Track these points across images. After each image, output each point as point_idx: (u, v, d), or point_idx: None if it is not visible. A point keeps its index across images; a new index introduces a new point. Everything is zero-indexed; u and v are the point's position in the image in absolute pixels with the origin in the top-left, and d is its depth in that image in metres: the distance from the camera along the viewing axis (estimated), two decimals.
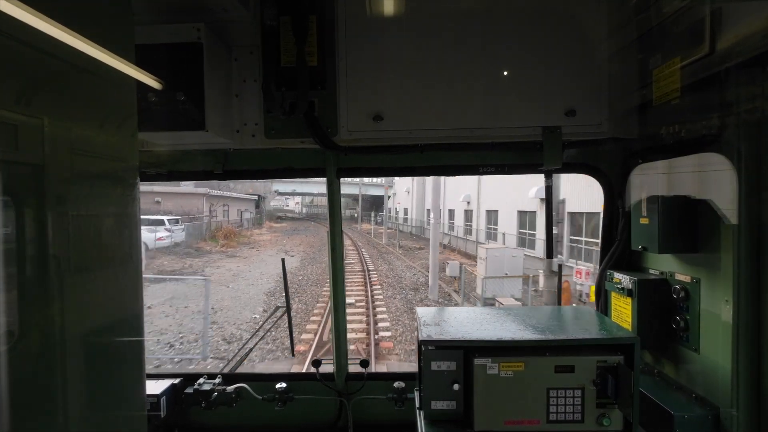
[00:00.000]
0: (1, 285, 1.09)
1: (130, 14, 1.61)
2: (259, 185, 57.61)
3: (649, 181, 2.24)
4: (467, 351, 1.76)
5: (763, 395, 1.62)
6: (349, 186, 57.74)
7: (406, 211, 55.77)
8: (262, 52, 2.23)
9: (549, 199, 2.50)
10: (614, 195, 2.47)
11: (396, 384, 2.59)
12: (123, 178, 1.51)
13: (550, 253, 2.56)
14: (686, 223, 1.91)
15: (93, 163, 1.40)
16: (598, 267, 2.57)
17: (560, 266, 3.19)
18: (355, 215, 70.11)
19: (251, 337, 3.55)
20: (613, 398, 1.66)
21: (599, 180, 2.54)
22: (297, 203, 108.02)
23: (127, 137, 1.59)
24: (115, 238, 1.48)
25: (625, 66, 2.16)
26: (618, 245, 2.42)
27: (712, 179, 1.82)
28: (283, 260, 3.30)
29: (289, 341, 3.65)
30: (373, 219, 55.66)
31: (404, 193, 54.98)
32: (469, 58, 2.19)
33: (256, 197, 57.53)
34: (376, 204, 74.64)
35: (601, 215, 2.59)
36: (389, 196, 55.39)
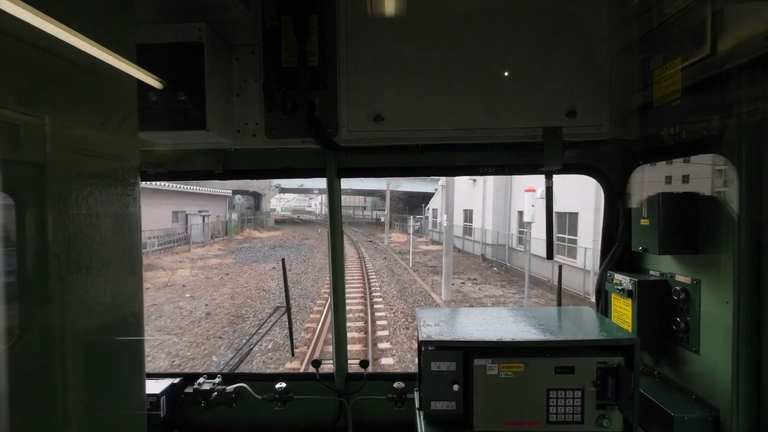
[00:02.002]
0: (2, 284, 1.09)
1: (131, 14, 1.61)
2: (258, 181, 45.73)
3: (650, 182, 2.23)
4: (467, 351, 1.76)
5: (763, 397, 1.62)
6: (374, 180, 42.23)
7: (468, 215, 31.53)
8: (263, 52, 2.23)
9: (549, 200, 2.50)
10: (615, 196, 2.47)
11: (396, 384, 2.59)
12: (124, 177, 1.51)
13: (550, 254, 2.55)
14: (687, 224, 1.91)
15: (94, 163, 1.40)
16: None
17: (560, 266, 3.18)
18: (382, 219, 51.46)
19: (251, 337, 3.55)
20: (613, 399, 1.66)
21: (600, 181, 2.53)
22: (318, 203, 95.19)
23: (128, 136, 1.59)
24: (115, 238, 1.48)
25: (625, 67, 2.16)
26: (618, 246, 2.42)
27: (713, 180, 1.82)
28: (283, 260, 3.30)
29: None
30: (411, 226, 30.46)
31: (467, 184, 30.80)
32: (469, 58, 2.19)
33: (229, 193, 42.71)
34: (410, 204, 56.73)
35: (602, 215, 2.59)
36: (435, 190, 33.60)
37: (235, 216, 44.58)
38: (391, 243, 33.86)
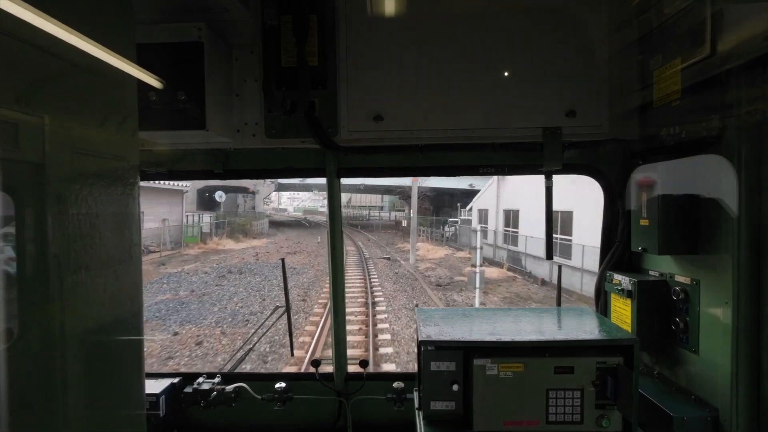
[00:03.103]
0: (1, 283, 1.09)
1: (131, 13, 1.61)
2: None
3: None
4: (467, 351, 1.76)
5: (762, 397, 1.62)
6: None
7: (565, 222, 17.91)
8: (263, 52, 2.23)
9: (549, 200, 2.50)
10: (614, 196, 2.47)
11: (395, 384, 2.59)
12: (123, 177, 1.52)
13: (549, 254, 2.57)
14: (686, 224, 1.91)
15: (93, 162, 1.40)
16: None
17: (560, 266, 3.18)
18: (404, 223, 42.14)
19: (251, 337, 3.55)
20: (612, 399, 1.67)
21: (599, 181, 2.53)
22: None
23: (128, 136, 1.59)
24: (115, 237, 1.48)
25: (625, 67, 2.16)
26: (618, 246, 2.42)
27: (713, 181, 1.82)
28: (282, 260, 3.30)
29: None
30: (478, 248, 14.89)
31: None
32: (469, 58, 2.19)
33: (186, 187, 32.01)
34: (437, 204, 44.92)
35: (602, 216, 2.59)
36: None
37: (207, 218, 35.22)
38: (419, 262, 21.97)
